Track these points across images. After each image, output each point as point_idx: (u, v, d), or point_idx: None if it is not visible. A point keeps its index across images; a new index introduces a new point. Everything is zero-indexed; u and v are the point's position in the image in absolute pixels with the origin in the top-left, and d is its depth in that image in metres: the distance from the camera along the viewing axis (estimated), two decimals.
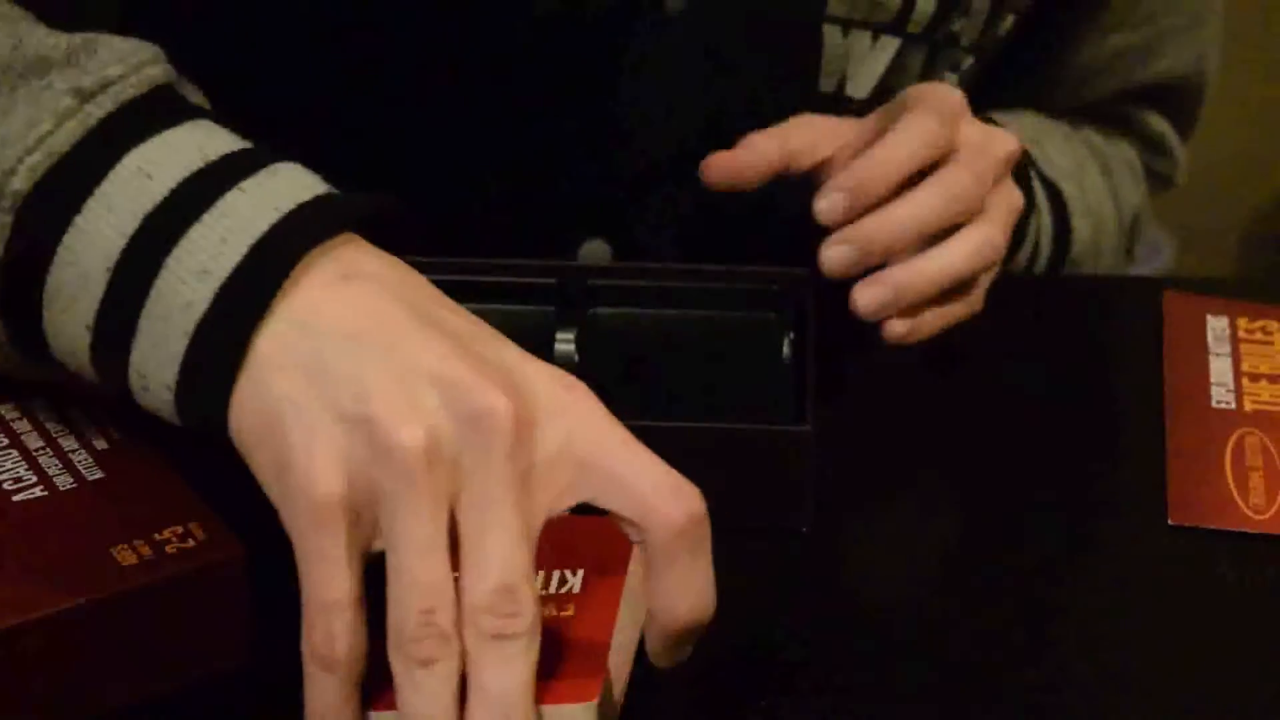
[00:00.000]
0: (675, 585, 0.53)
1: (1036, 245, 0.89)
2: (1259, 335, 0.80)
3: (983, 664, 0.62)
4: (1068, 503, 0.71)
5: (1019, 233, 0.86)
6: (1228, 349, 0.79)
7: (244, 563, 0.59)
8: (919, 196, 0.72)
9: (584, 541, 0.57)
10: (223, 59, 0.68)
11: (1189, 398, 0.76)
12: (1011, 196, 0.78)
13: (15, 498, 0.60)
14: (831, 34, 0.84)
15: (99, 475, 0.61)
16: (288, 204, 0.54)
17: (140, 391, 0.55)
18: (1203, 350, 0.79)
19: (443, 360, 0.52)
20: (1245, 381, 0.77)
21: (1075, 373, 0.79)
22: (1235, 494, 0.70)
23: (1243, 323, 0.81)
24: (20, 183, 0.54)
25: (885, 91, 0.84)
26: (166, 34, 0.60)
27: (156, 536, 0.58)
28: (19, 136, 0.55)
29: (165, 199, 0.54)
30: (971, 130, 0.75)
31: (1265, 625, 0.65)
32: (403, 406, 0.51)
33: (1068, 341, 0.81)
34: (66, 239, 0.54)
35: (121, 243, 0.54)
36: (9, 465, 0.62)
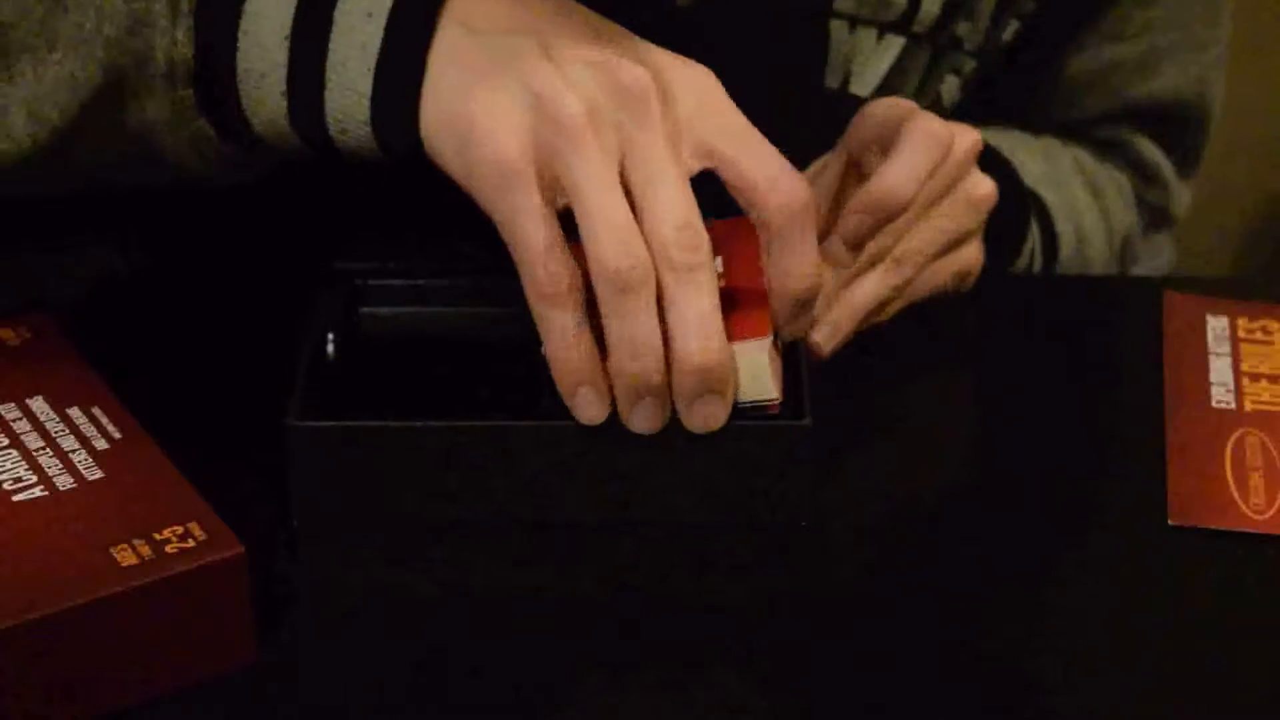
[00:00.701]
0: (787, 260, 0.62)
1: (1033, 254, 0.89)
2: (1259, 335, 0.80)
3: (983, 663, 0.62)
4: (1068, 503, 0.71)
5: (1014, 236, 0.86)
6: (1228, 349, 0.79)
7: (244, 562, 0.59)
8: (868, 284, 0.74)
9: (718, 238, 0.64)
10: None
11: (1189, 398, 0.76)
12: (976, 191, 0.77)
13: (15, 498, 0.60)
14: (838, 29, 0.84)
15: (99, 475, 0.61)
16: None
17: (339, 135, 0.63)
18: (1203, 350, 0.79)
19: (586, 46, 0.61)
20: (1245, 381, 0.77)
21: (1075, 373, 0.79)
22: (1235, 494, 0.70)
23: (1243, 323, 0.81)
24: None
25: (887, 91, 0.84)
26: None
27: (156, 536, 0.58)
28: None
29: None
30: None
31: (1265, 625, 0.65)
32: (561, 84, 0.59)
33: (1068, 341, 0.81)
34: (243, 24, 0.62)
35: (290, 11, 0.62)
36: (9, 465, 0.62)
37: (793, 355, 0.69)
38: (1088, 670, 0.62)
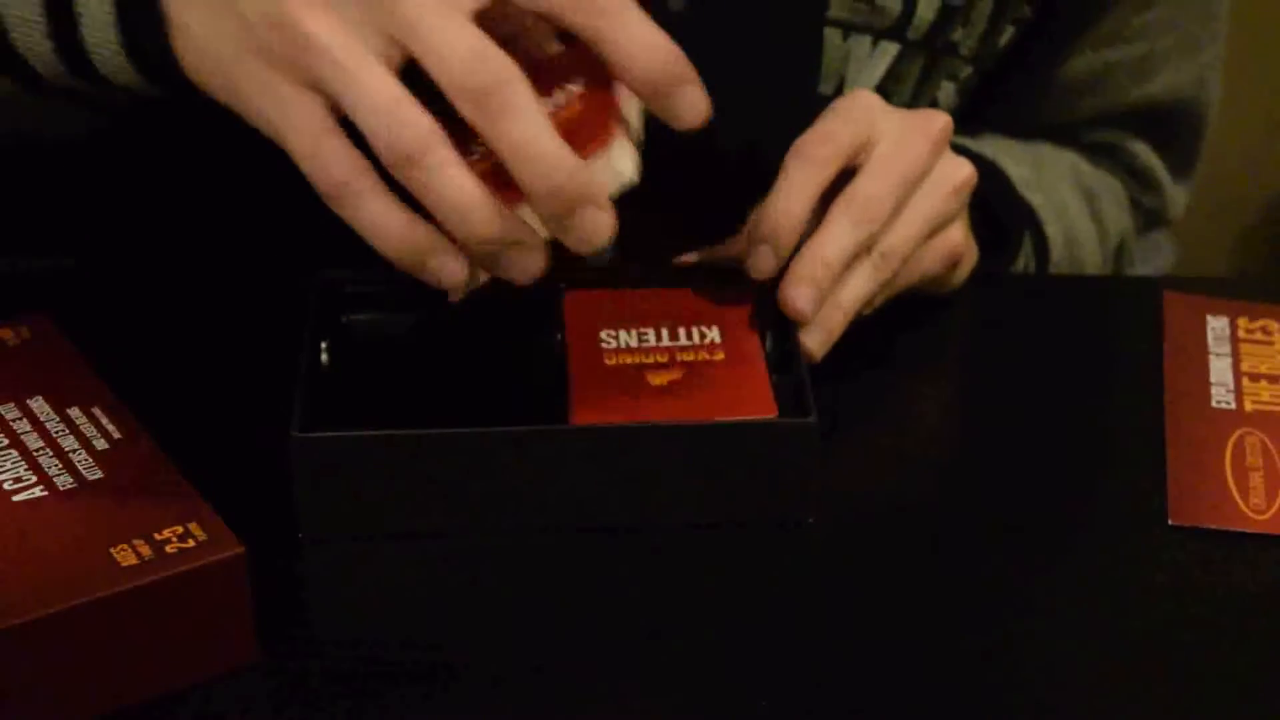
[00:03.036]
0: (621, 36, 0.58)
1: (1026, 259, 0.89)
2: (1259, 335, 0.80)
3: (983, 662, 0.62)
4: (1068, 503, 0.71)
5: (1009, 242, 0.85)
6: (1228, 349, 0.79)
7: (244, 562, 0.59)
8: (830, 233, 0.72)
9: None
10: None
11: (1189, 398, 0.76)
12: (955, 176, 0.77)
13: (15, 498, 0.60)
14: (832, 37, 0.84)
15: (99, 475, 0.61)
16: None
17: (101, 65, 0.63)
18: (1203, 350, 0.79)
19: None
20: (1245, 381, 0.77)
21: (1075, 373, 0.79)
22: (1235, 494, 0.70)
23: (1243, 323, 0.81)
24: None
25: (883, 97, 0.84)
26: None
27: (156, 536, 0.58)
28: None
29: None
30: (889, 123, 0.74)
31: (1265, 625, 0.65)
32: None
33: (1068, 341, 0.81)
34: None
35: None
36: (9, 465, 0.62)
37: (792, 356, 0.70)
38: (1088, 669, 0.62)
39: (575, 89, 0.60)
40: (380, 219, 0.58)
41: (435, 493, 0.65)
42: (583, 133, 0.59)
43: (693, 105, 0.60)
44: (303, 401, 0.65)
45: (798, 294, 0.71)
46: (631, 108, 0.61)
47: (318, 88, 0.58)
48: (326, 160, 0.57)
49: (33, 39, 0.64)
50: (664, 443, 0.65)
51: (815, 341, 0.72)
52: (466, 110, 0.56)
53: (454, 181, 0.56)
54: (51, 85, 0.66)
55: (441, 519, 0.65)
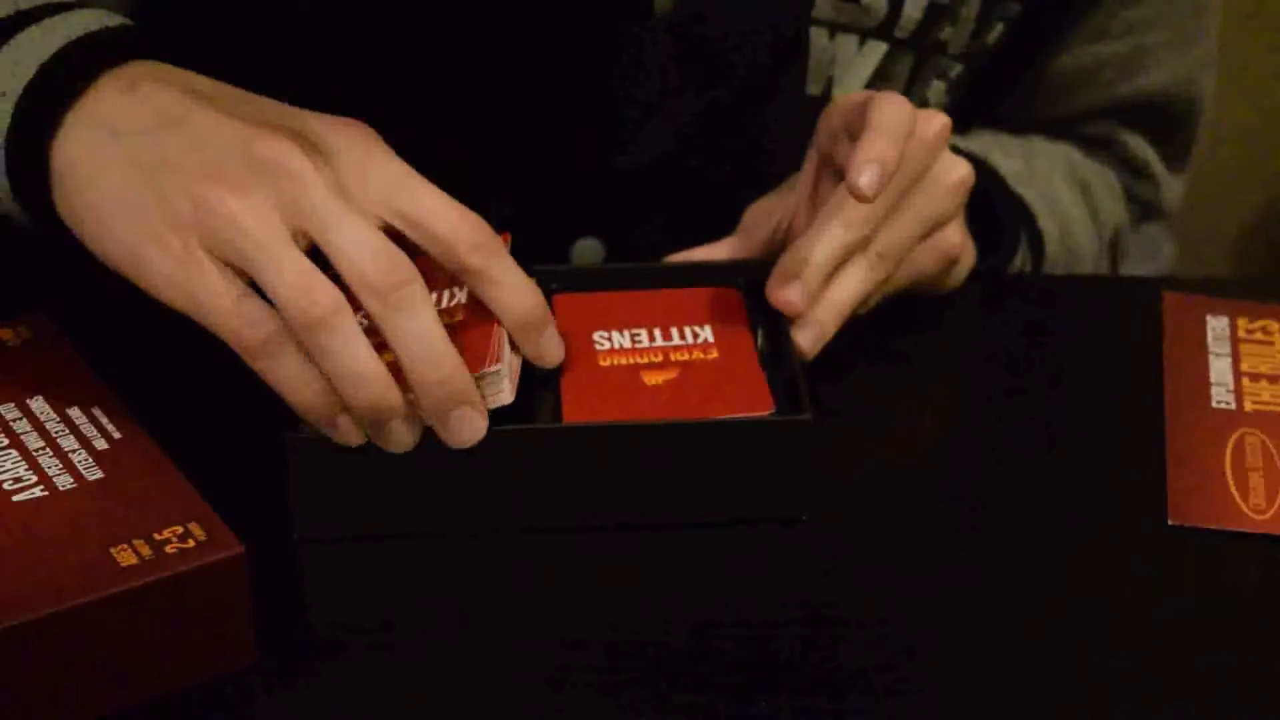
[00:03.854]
0: (499, 291, 0.63)
1: (1023, 254, 0.89)
2: (1259, 335, 0.80)
3: (981, 661, 0.62)
4: (1068, 503, 0.71)
5: (1006, 239, 0.85)
6: (1228, 349, 0.79)
7: (244, 562, 0.59)
8: (821, 232, 0.72)
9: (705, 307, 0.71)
10: (229, 53, 0.71)
11: (1189, 398, 0.76)
12: (951, 175, 0.77)
13: (15, 498, 0.60)
14: (818, 37, 0.84)
15: (99, 475, 0.61)
16: (77, 32, 0.64)
17: (4, 204, 0.65)
18: (1203, 350, 0.79)
19: (222, 126, 0.61)
20: (1245, 381, 0.77)
21: (1075, 373, 0.79)
22: (1235, 494, 0.70)
23: (1243, 323, 0.81)
24: None
25: None
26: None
27: (156, 536, 0.58)
28: None
29: None
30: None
31: (1265, 625, 0.65)
32: (202, 172, 0.60)
33: (1068, 342, 0.81)
34: None
35: None
36: (9, 465, 0.62)
37: (786, 353, 0.70)
38: (1087, 669, 0.62)
39: (462, 299, 0.65)
40: (298, 374, 0.61)
41: (430, 494, 0.65)
42: (467, 340, 0.63)
43: (555, 346, 0.66)
44: None
45: (787, 290, 0.71)
46: (505, 344, 0.65)
47: (231, 260, 0.60)
48: (250, 320, 0.60)
49: None
50: (658, 441, 0.65)
51: (807, 339, 0.72)
52: (369, 302, 0.60)
53: (355, 351, 0.60)
54: None
55: (436, 520, 0.65)
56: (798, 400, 0.67)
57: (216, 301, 0.60)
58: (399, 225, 0.62)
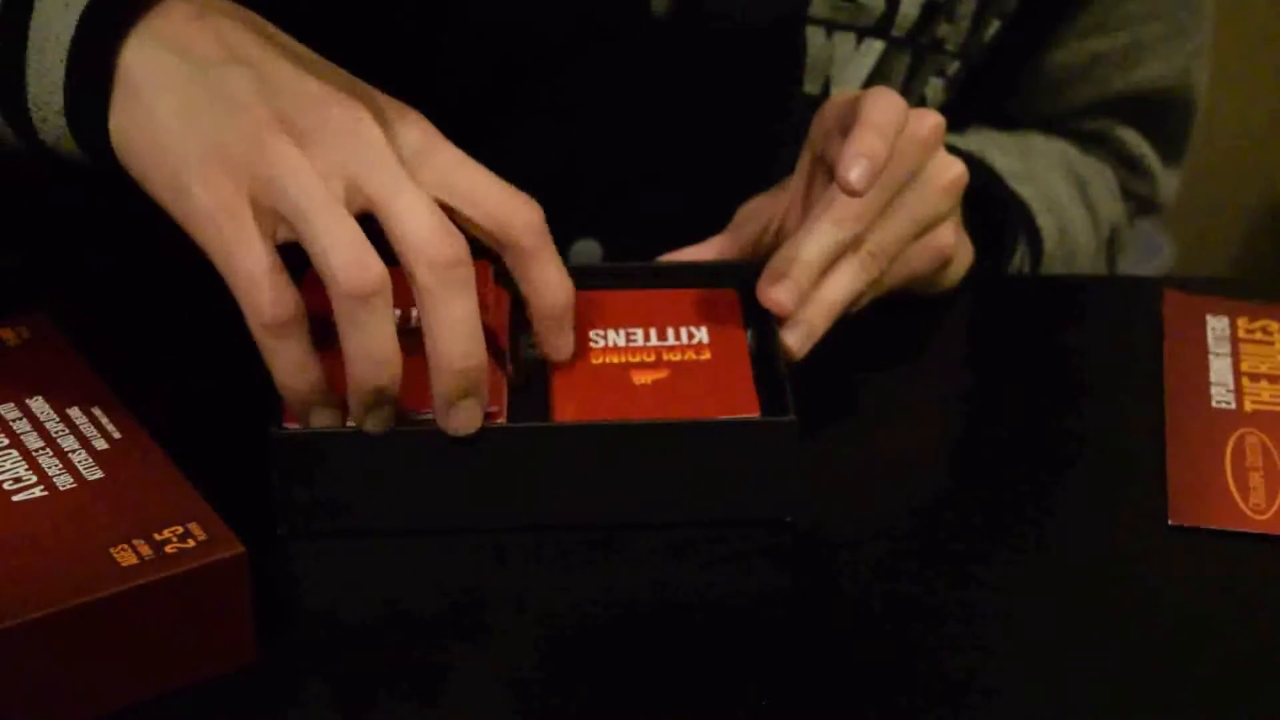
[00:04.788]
0: (540, 277, 0.64)
1: (1022, 253, 0.89)
2: (1259, 335, 0.80)
3: (978, 661, 0.62)
4: (1068, 503, 0.71)
5: (995, 233, 0.85)
6: (1228, 349, 0.79)
7: (244, 562, 0.59)
8: (812, 230, 0.72)
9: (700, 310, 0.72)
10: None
11: (1189, 398, 0.76)
12: (945, 174, 0.76)
13: (15, 498, 0.60)
14: (814, 36, 0.83)
15: (99, 475, 0.61)
16: None
17: (41, 125, 0.63)
18: (1203, 350, 0.79)
19: (297, 78, 0.61)
20: (1245, 381, 0.77)
21: (1075, 373, 0.79)
22: (1235, 494, 0.70)
23: (1243, 323, 0.81)
24: None
25: None
26: None
27: (156, 536, 0.58)
28: None
29: None
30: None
31: (1265, 625, 0.65)
32: (269, 118, 0.60)
33: (1068, 341, 0.81)
34: None
35: None
36: (9, 465, 0.62)
37: (772, 354, 0.70)
38: (1087, 669, 0.62)
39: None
40: (299, 363, 0.61)
41: (415, 490, 0.65)
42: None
43: (571, 341, 0.67)
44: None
45: (776, 290, 0.71)
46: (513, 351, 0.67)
47: (283, 214, 0.60)
48: (276, 295, 0.59)
49: None
50: (641, 441, 0.65)
51: (795, 338, 0.71)
52: (421, 274, 0.60)
53: (387, 330, 0.60)
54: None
55: (422, 517, 0.65)
56: (783, 402, 0.67)
57: (248, 263, 0.59)
58: (455, 204, 0.62)
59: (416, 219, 0.60)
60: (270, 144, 0.60)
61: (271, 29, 0.64)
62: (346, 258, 0.59)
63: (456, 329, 0.61)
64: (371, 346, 0.60)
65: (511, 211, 0.63)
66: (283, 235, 0.60)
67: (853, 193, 0.69)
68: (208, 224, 0.60)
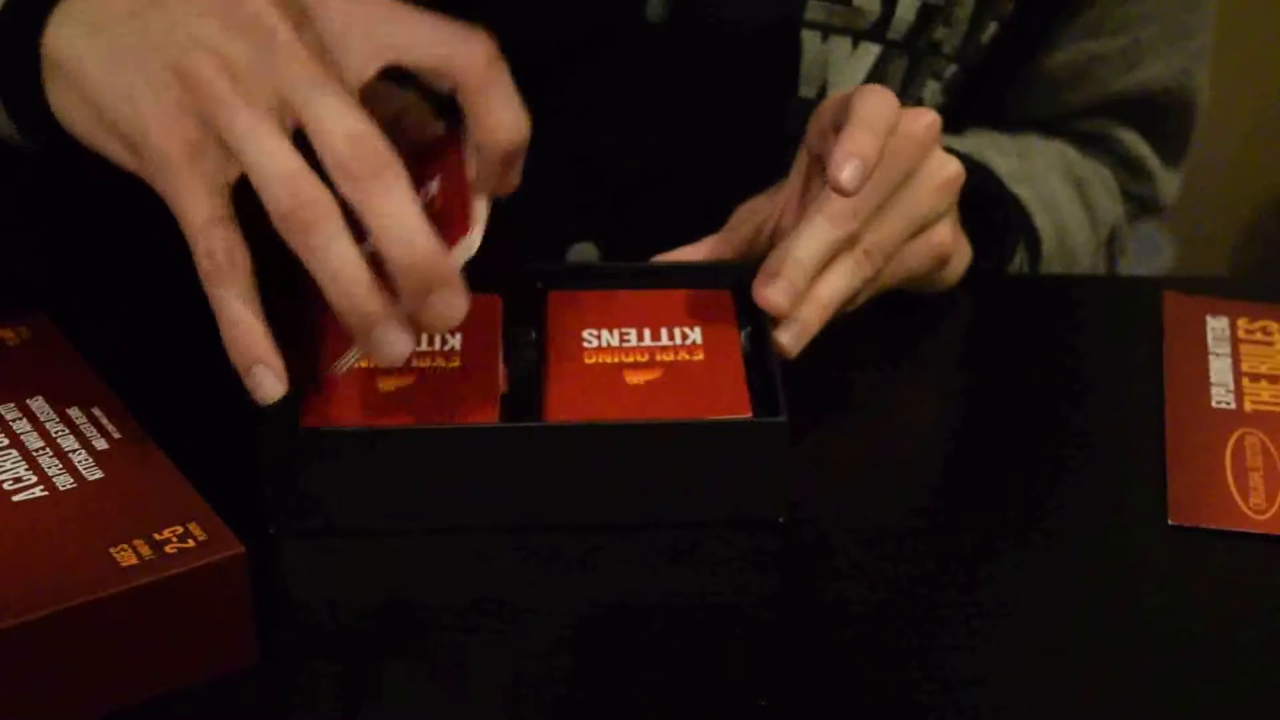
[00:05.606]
0: (494, 112, 0.61)
1: (1020, 254, 0.89)
2: (1259, 335, 0.80)
3: (977, 661, 0.62)
4: (1068, 503, 0.71)
5: (993, 233, 0.85)
6: (1228, 349, 0.79)
7: (244, 562, 0.59)
8: (808, 229, 0.72)
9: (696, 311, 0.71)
10: None
11: (1189, 398, 0.76)
12: (942, 173, 0.76)
13: (15, 498, 0.60)
14: (810, 40, 0.83)
15: (99, 475, 0.61)
16: None
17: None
18: (1203, 350, 0.79)
19: (204, 5, 0.60)
20: (1245, 381, 0.77)
21: (1075, 373, 0.79)
22: (1235, 494, 0.70)
23: (1243, 323, 0.81)
24: None
25: None
26: None
27: (156, 536, 0.58)
28: None
29: None
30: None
31: (1265, 625, 0.65)
32: (188, 45, 0.59)
33: (1068, 341, 0.81)
34: None
35: None
36: (9, 465, 0.62)
37: (765, 354, 0.70)
38: (1087, 669, 0.62)
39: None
40: (239, 312, 0.60)
41: (405, 489, 0.65)
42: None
43: (516, 178, 0.64)
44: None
45: (771, 289, 0.71)
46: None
47: (219, 139, 0.59)
48: (217, 241, 0.59)
49: None
50: (634, 441, 0.65)
51: (788, 336, 0.71)
52: (345, 187, 0.58)
53: (345, 253, 0.58)
54: None
55: (412, 515, 0.65)
56: (775, 402, 0.67)
57: (190, 212, 0.59)
58: (398, 58, 0.61)
59: (329, 124, 0.58)
60: (194, 79, 0.59)
61: None
62: (280, 190, 0.57)
63: (395, 227, 0.58)
64: (332, 271, 0.58)
65: (450, 49, 0.61)
66: (233, 175, 0.60)
67: (844, 192, 0.69)
68: (156, 176, 0.60)
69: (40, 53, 0.63)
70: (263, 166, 0.58)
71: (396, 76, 0.63)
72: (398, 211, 0.58)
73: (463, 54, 0.61)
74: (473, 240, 0.62)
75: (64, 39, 0.62)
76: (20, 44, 0.63)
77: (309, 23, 0.60)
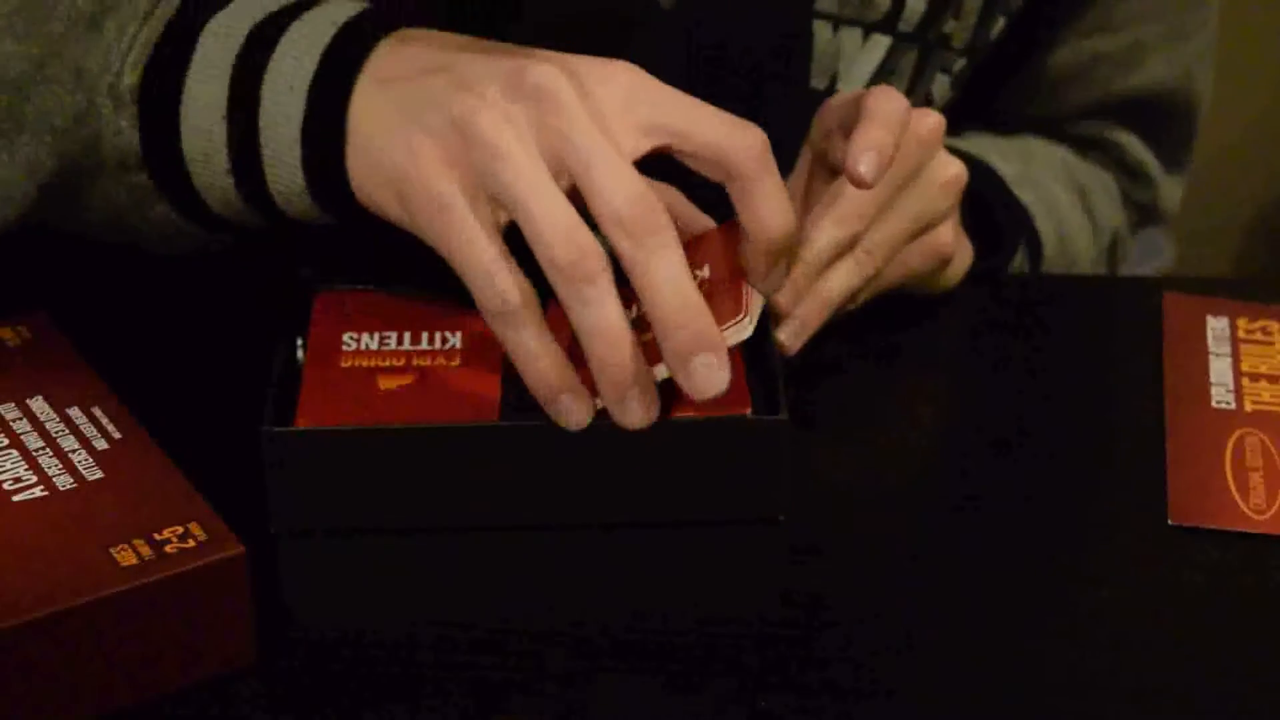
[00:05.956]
0: (764, 203, 0.61)
1: (1021, 257, 0.89)
2: (1259, 335, 0.80)
3: (979, 662, 0.62)
4: (1068, 503, 0.71)
5: (994, 236, 0.85)
6: (1228, 349, 0.79)
7: (244, 562, 0.59)
8: (812, 230, 0.73)
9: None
10: None
11: (1189, 398, 0.76)
12: (944, 173, 0.76)
13: (15, 498, 0.60)
14: (821, 30, 0.84)
15: (99, 475, 0.61)
16: (342, 18, 0.64)
17: (285, 206, 0.65)
18: (1203, 350, 0.79)
19: (497, 64, 0.61)
20: (1245, 381, 0.77)
21: (1075, 373, 0.79)
22: (1235, 494, 0.70)
23: (1243, 323, 0.81)
24: (130, 78, 0.64)
25: None
26: None
27: (156, 536, 0.58)
28: (113, 43, 0.64)
29: (243, 45, 0.64)
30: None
31: (1265, 625, 0.65)
32: (475, 102, 0.60)
33: (1067, 342, 0.81)
34: (183, 109, 0.64)
35: (223, 94, 0.64)
36: (9, 465, 0.62)
37: (765, 351, 0.70)
38: (1087, 670, 0.62)
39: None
40: (536, 348, 0.60)
41: (406, 489, 0.65)
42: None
43: (781, 276, 0.64)
44: (274, 397, 0.65)
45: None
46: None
47: (491, 196, 0.59)
48: (506, 282, 0.59)
49: (213, 172, 0.65)
50: (633, 439, 0.65)
51: (788, 334, 0.72)
52: (623, 244, 0.59)
53: (617, 309, 0.59)
54: (218, 217, 0.67)
55: (413, 515, 0.65)
56: (776, 400, 0.66)
57: (473, 256, 0.59)
58: (670, 142, 0.61)
59: (610, 185, 0.59)
60: (476, 132, 0.59)
61: (453, 36, 0.64)
62: (559, 241, 0.58)
63: (668, 290, 0.59)
64: (601, 322, 0.59)
65: (727, 139, 0.61)
66: (504, 219, 0.60)
67: (863, 185, 0.69)
68: (434, 221, 0.60)
69: (346, 127, 0.62)
70: (543, 218, 0.58)
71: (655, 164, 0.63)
72: (674, 271, 0.59)
73: (739, 143, 0.61)
74: (745, 327, 0.63)
75: (357, 104, 0.62)
76: (327, 133, 0.63)
77: (589, 96, 0.61)
